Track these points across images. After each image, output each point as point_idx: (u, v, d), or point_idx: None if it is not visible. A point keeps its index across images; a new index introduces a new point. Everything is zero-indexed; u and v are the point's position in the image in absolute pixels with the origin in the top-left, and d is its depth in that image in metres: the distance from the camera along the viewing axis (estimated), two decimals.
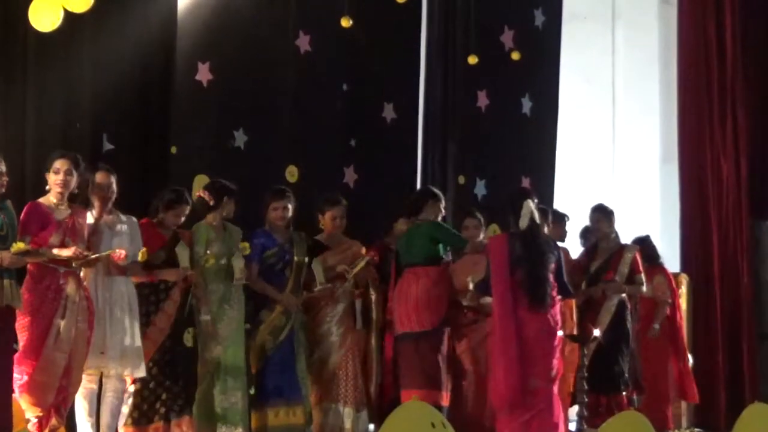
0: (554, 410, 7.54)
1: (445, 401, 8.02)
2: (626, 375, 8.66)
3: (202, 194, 7.70)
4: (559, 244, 8.30)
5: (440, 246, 8.15)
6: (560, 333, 7.50)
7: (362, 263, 8.00)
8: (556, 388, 7.64)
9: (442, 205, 8.37)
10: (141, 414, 7.33)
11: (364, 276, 8.12)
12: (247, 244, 7.61)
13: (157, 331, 7.34)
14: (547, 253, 7.65)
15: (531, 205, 7.70)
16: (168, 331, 7.39)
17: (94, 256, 6.71)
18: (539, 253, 7.63)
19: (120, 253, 6.82)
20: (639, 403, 8.84)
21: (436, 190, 8.51)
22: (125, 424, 7.30)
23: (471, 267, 8.29)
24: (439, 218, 8.33)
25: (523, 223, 7.68)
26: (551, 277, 7.62)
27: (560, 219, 9.14)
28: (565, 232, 9.17)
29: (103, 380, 7.09)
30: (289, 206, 7.88)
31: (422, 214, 8.23)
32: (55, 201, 6.80)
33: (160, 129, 8.47)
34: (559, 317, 7.77)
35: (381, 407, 8.10)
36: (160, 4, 8.52)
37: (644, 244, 9.56)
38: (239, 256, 7.56)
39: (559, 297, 7.72)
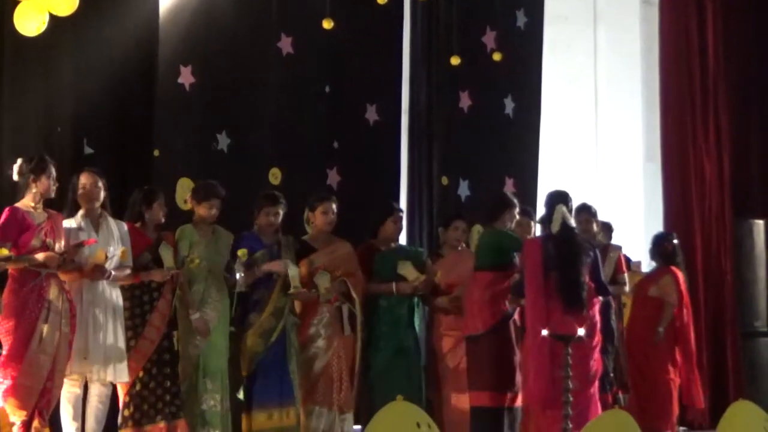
0: (592, 411, 7.61)
1: (517, 402, 8.06)
2: (611, 374, 8.67)
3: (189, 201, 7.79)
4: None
5: (508, 252, 8.19)
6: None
7: (324, 282, 7.89)
8: (593, 389, 7.77)
9: (516, 210, 8.45)
10: (142, 414, 7.30)
11: (338, 288, 8.02)
12: (245, 251, 7.58)
13: (154, 331, 7.33)
14: (580, 256, 7.74)
15: (563, 209, 7.84)
16: (164, 330, 7.38)
17: (70, 248, 6.67)
18: (572, 255, 7.75)
19: (91, 241, 6.81)
20: (625, 402, 8.84)
21: (513, 197, 8.58)
22: (125, 426, 7.27)
23: (451, 267, 8.43)
24: (513, 224, 8.41)
25: (555, 227, 7.79)
26: (587, 278, 7.72)
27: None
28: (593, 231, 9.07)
29: (88, 385, 7.07)
30: (281, 212, 7.88)
31: (498, 221, 8.35)
32: (33, 204, 6.79)
33: (142, 132, 8.44)
34: (597, 319, 7.85)
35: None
36: (141, 7, 8.50)
37: (660, 242, 9.53)
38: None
39: (599, 297, 7.86)
